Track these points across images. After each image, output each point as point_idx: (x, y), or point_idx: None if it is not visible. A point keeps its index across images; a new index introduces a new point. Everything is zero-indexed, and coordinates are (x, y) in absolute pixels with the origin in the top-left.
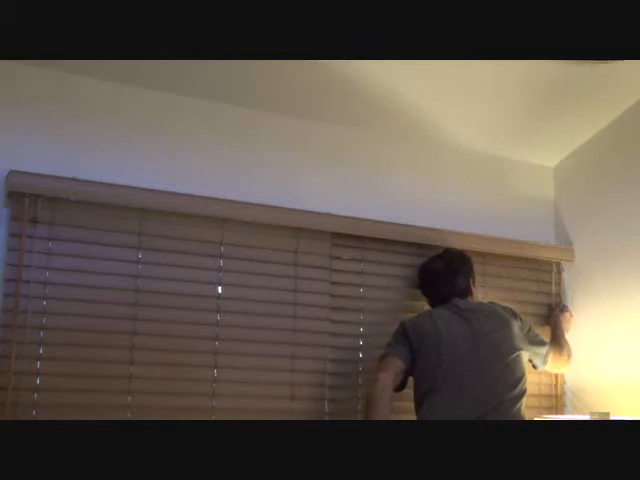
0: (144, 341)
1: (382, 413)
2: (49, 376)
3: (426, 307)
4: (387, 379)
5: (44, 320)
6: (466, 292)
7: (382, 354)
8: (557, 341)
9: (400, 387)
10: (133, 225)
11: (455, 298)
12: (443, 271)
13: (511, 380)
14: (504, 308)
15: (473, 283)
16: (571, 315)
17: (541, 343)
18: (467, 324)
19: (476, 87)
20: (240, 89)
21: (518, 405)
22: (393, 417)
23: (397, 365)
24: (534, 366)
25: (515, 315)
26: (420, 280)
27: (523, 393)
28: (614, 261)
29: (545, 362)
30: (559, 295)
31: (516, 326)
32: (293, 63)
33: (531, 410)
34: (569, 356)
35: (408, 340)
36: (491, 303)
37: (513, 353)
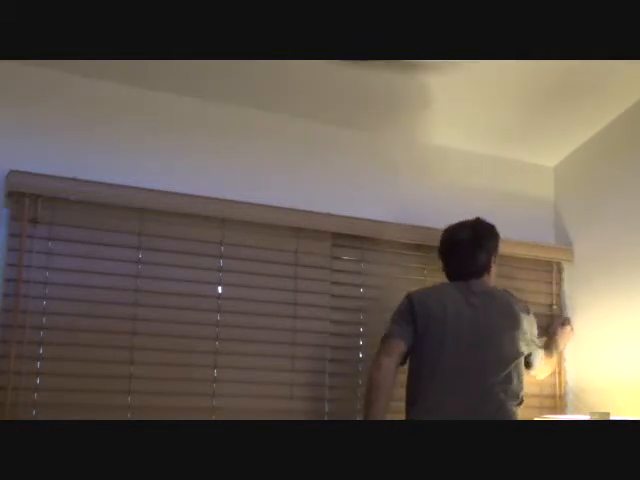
0: (144, 341)
1: (383, 399)
2: (49, 376)
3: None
4: (390, 365)
5: (44, 320)
6: (484, 270)
7: (386, 333)
8: (549, 350)
9: (403, 363)
10: (133, 225)
11: (472, 279)
12: (467, 243)
13: (510, 390)
14: (518, 303)
15: (494, 261)
16: (572, 329)
17: (540, 345)
18: (474, 312)
19: (476, 87)
20: (240, 89)
21: (513, 410)
22: (389, 417)
23: (400, 348)
24: (527, 364)
25: (527, 311)
26: (442, 246)
27: (521, 402)
28: (614, 261)
29: (539, 365)
30: (559, 295)
31: (526, 324)
32: (294, 63)
33: (531, 410)
34: (552, 368)
35: (413, 317)
36: (505, 292)
37: (517, 359)
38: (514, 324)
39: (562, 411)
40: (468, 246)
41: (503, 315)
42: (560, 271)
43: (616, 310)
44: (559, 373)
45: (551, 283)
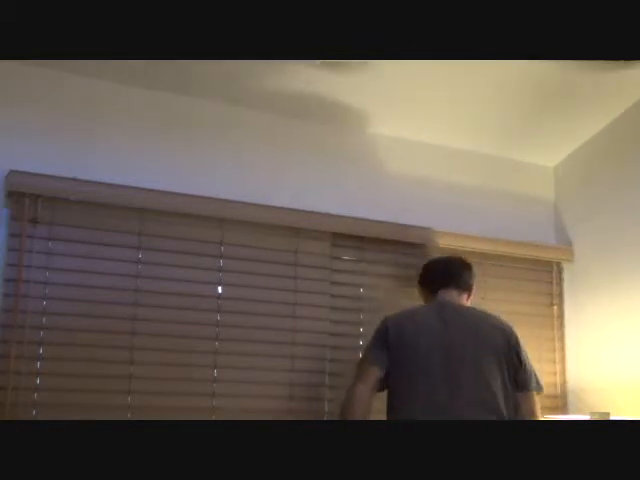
0: (144, 341)
1: None
2: (49, 376)
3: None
4: (364, 391)
5: (44, 320)
6: (466, 286)
7: (361, 358)
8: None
9: (380, 389)
10: (133, 225)
11: (453, 289)
12: (456, 260)
13: (493, 415)
14: (499, 323)
15: (473, 292)
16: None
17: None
18: (448, 335)
19: (477, 87)
20: (241, 90)
21: None
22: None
23: (375, 374)
24: (518, 384)
25: (509, 331)
26: (428, 265)
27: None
28: (614, 261)
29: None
30: (559, 295)
31: (510, 344)
32: (292, 63)
33: None
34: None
35: (387, 342)
36: (483, 312)
37: (496, 382)
38: (491, 345)
39: (562, 411)
40: (457, 263)
41: (479, 336)
42: (560, 271)
43: (616, 310)
44: (559, 373)
45: (551, 283)
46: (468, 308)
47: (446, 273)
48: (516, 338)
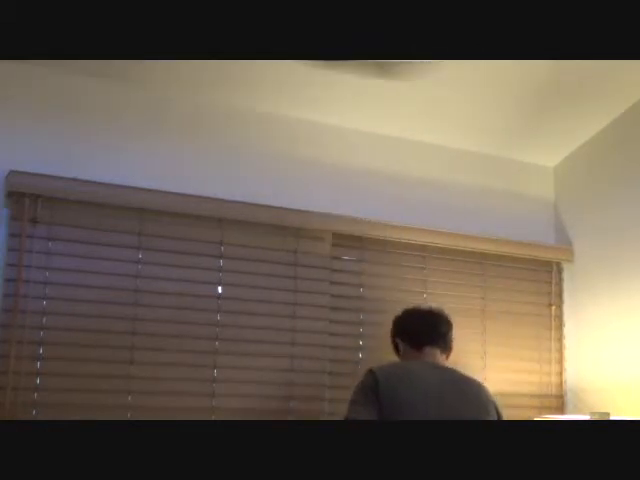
0: (144, 341)
1: None
2: (49, 376)
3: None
4: None
5: (44, 320)
6: (447, 348)
7: (347, 416)
8: None
9: None
10: (133, 225)
11: (436, 349)
12: (440, 314)
13: None
14: (488, 393)
15: (450, 352)
16: None
17: None
18: (444, 398)
19: (477, 87)
20: (240, 90)
21: None
22: None
23: None
24: None
25: (495, 402)
26: (409, 317)
27: None
28: (614, 261)
29: None
30: (559, 295)
31: (497, 413)
32: (295, 63)
33: (531, 410)
34: None
35: (378, 398)
36: (474, 379)
37: None
38: (486, 412)
39: (562, 411)
40: (442, 320)
41: (474, 402)
42: (560, 271)
43: (616, 310)
44: (559, 373)
45: (551, 283)
46: (461, 375)
47: (433, 329)
48: (490, 410)
